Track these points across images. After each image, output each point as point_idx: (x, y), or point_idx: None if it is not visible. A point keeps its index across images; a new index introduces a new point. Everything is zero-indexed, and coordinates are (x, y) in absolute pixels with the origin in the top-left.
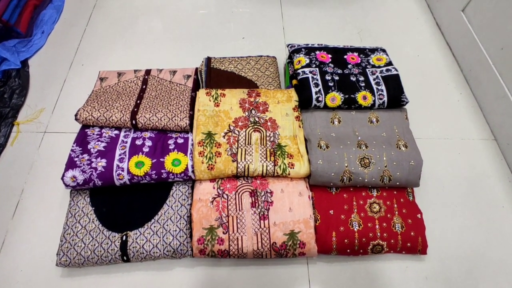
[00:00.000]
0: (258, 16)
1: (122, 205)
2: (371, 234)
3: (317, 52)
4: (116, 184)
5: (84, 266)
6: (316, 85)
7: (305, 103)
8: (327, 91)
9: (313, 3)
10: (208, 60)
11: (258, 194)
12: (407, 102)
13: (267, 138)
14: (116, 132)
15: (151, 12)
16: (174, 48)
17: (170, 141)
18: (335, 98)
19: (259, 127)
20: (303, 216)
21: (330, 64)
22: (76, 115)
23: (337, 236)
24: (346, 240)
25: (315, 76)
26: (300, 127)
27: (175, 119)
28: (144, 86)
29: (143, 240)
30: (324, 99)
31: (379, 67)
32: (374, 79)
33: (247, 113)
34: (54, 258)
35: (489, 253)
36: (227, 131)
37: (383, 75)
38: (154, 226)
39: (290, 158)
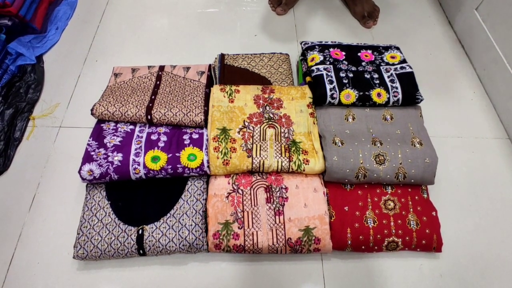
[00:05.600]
0: (270, 14)
1: (138, 199)
2: (386, 231)
3: (331, 50)
4: (132, 178)
5: (101, 259)
6: (331, 82)
7: (319, 100)
8: (342, 88)
9: (324, 1)
10: (222, 56)
11: (273, 189)
12: (421, 100)
13: (282, 134)
14: (131, 127)
15: (163, 10)
16: (186, 45)
17: (185, 136)
18: (350, 95)
19: (273, 123)
20: (318, 212)
21: (344, 62)
22: (92, 110)
23: (352, 233)
24: (361, 237)
25: (329, 73)
26: (314, 123)
27: (190, 115)
28: (158, 82)
29: (159, 234)
30: (339, 96)
31: (393, 64)
32: (388, 77)
33: (261, 109)
34: (71, 251)
35: (504, 252)
36: (242, 126)
37: (397, 72)
38: (170, 221)
39: (305, 154)
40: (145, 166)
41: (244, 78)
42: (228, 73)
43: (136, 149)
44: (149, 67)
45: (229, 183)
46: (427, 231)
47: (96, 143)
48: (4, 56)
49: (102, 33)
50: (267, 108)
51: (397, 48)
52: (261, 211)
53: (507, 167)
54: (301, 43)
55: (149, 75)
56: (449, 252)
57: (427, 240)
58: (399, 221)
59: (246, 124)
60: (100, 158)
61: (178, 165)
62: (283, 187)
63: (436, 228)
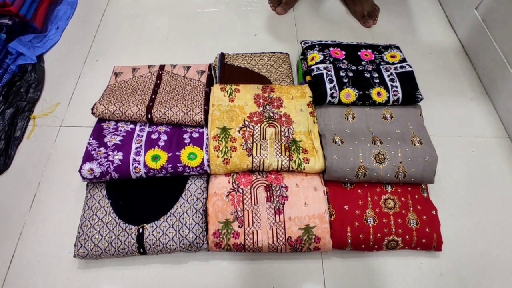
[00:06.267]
0: (270, 14)
1: (138, 198)
2: (386, 230)
3: (331, 49)
4: (132, 177)
5: (101, 258)
6: (331, 81)
7: (319, 99)
8: (342, 87)
9: (324, 0)
10: (222, 56)
11: (273, 188)
12: (421, 99)
13: (282, 133)
14: (132, 126)
15: (163, 9)
16: (186, 45)
17: (186, 135)
18: (350, 94)
19: (274, 122)
20: (318, 211)
21: (344, 61)
22: (92, 109)
23: (352, 232)
24: (361, 236)
25: (329, 72)
26: (314, 122)
27: (190, 114)
28: (158, 81)
29: (159, 233)
30: (339, 95)
31: (393, 63)
32: (388, 76)
33: (261, 109)
34: (71, 250)
35: (504, 251)
36: (242, 126)
37: (397, 71)
38: (170, 219)
39: (305, 153)
40: (145, 165)
41: (244, 78)
42: (228, 72)
43: (136, 148)
44: (149, 66)
45: (229, 182)
46: (427, 230)
47: (97, 142)
48: (5, 56)
49: (103, 33)
50: (267, 107)
51: (397, 47)
52: (261, 210)
53: (507, 166)
54: (301, 43)
55: (149, 74)
56: (449, 251)
57: (427, 239)
58: (399, 220)
59: (246, 123)
60: (100, 157)
61: (178, 164)
62: (283, 186)
63: (436, 227)
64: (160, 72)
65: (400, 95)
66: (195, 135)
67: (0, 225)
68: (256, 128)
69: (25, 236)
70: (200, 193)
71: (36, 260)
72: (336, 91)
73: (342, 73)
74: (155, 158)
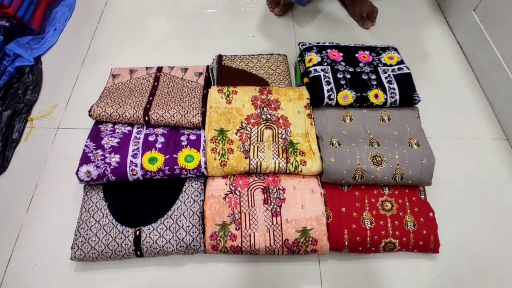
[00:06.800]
0: (268, 15)
1: (135, 200)
2: (383, 232)
3: (329, 51)
4: (129, 179)
5: (98, 260)
6: (328, 83)
7: (317, 101)
8: (339, 89)
9: (322, 1)
10: (220, 57)
11: (270, 191)
12: (419, 101)
13: (279, 136)
14: (129, 128)
15: (161, 10)
16: (184, 46)
17: (183, 138)
18: (347, 96)
19: (271, 124)
20: (315, 213)
21: (341, 63)
22: (89, 111)
23: (349, 234)
24: (358, 238)
25: (327, 74)
26: (312, 124)
27: (188, 116)
28: (156, 83)
29: (156, 235)
30: (336, 97)
31: (390, 65)
32: (386, 78)
33: (259, 110)
34: (68, 252)
35: (502, 253)
36: (239, 128)
37: (395, 73)
38: (167, 222)
39: (302, 156)
40: (142, 167)
41: (241, 79)
42: (226, 74)
43: (133, 150)
44: (147, 68)
45: (226, 184)
46: (424, 232)
47: (94, 144)
48: (2, 58)
49: (101, 34)
50: (265, 109)
51: (395, 49)
52: (258, 212)
53: (505, 168)
54: (299, 44)
55: (147, 76)
56: (446, 253)
57: (424, 241)
58: (396, 222)
59: (244, 125)
60: (97, 160)
61: (175, 166)
62: (280, 188)
63: (433, 229)
64: (158, 74)
65: (397, 97)
66: (192, 137)
67: None
68: (253, 130)
69: (22, 238)
70: (197, 196)
71: (33, 263)
72: (333, 93)
73: (339, 75)
74: (152, 160)
